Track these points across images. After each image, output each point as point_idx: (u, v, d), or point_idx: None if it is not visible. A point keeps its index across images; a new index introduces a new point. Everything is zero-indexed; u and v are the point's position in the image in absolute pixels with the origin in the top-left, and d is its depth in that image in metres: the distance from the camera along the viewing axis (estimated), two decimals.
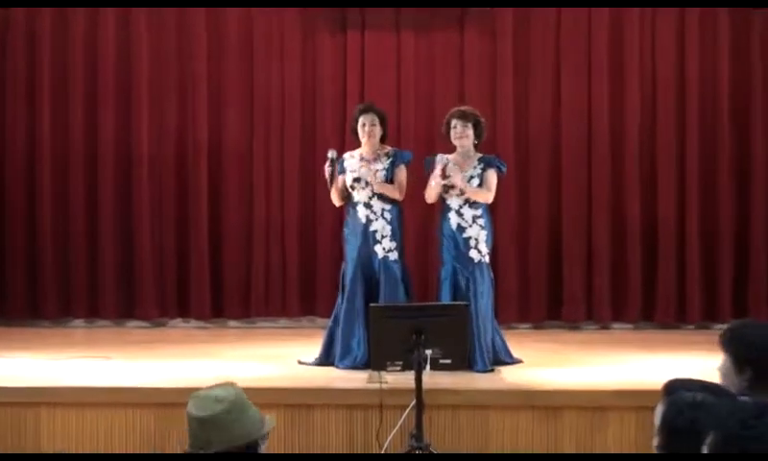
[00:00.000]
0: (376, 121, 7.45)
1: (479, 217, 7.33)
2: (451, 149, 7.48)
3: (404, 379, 6.13)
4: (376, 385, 6.33)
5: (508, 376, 7.09)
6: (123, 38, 9.66)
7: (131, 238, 9.65)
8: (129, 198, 9.65)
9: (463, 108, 7.56)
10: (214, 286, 9.67)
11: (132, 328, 9.59)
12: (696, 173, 9.50)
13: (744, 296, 9.44)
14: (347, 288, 7.36)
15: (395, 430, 6.25)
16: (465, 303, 6.91)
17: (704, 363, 6.72)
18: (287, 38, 9.69)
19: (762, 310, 9.27)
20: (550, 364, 7.49)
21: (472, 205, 7.33)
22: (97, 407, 6.53)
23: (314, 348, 7.55)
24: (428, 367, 5.89)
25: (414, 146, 8.86)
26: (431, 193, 7.40)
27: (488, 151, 7.61)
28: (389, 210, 7.39)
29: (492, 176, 7.38)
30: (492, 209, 7.50)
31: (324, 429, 6.46)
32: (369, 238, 7.36)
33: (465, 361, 6.35)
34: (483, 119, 7.51)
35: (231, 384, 3.48)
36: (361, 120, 7.45)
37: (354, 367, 7.16)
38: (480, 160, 7.41)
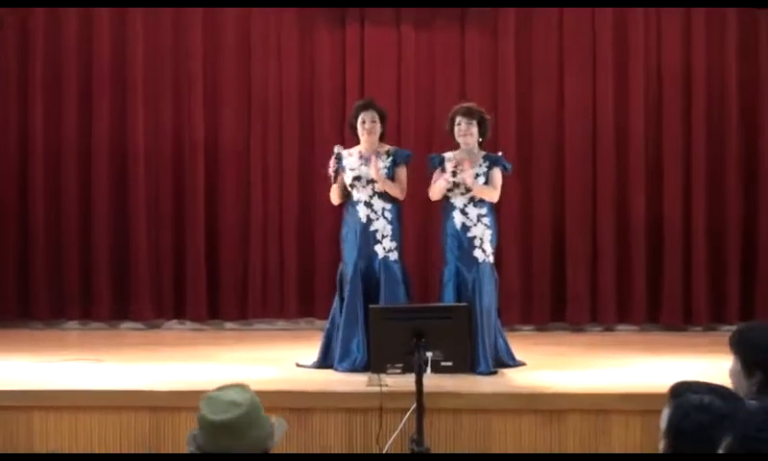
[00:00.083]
0: (377, 118, 7.44)
1: (484, 216, 7.32)
2: (453, 146, 7.47)
3: (405, 382, 6.12)
4: (376, 388, 6.32)
5: (510, 379, 7.08)
6: (118, 35, 9.66)
7: (125, 238, 9.65)
8: (123, 197, 9.65)
9: (467, 104, 7.54)
10: (210, 287, 9.67)
11: (127, 330, 9.59)
12: (703, 172, 9.50)
13: (752, 297, 9.44)
14: (346, 289, 7.35)
15: (395, 434, 6.24)
16: (466, 304, 6.90)
17: (710, 366, 6.74)
18: (285, 34, 9.69)
19: None
20: (553, 367, 7.48)
21: (477, 203, 7.32)
22: (91, 411, 6.52)
23: (312, 350, 7.54)
24: (429, 370, 5.88)
25: (414, 144, 8.87)
26: (437, 191, 7.39)
27: (490, 149, 7.61)
28: (389, 210, 7.38)
29: (497, 174, 7.38)
30: (495, 209, 7.49)
31: (322, 433, 6.46)
32: (369, 238, 7.35)
33: (466, 364, 6.34)
34: (488, 117, 7.50)
35: (244, 386, 3.38)
36: (361, 117, 7.44)
37: (354, 369, 7.16)
38: (485, 158, 7.40)
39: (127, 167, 9.65)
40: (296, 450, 6.41)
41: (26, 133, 9.66)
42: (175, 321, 9.73)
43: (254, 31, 9.70)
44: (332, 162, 7.37)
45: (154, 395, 6.61)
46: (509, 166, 7.52)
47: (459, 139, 7.38)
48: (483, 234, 7.30)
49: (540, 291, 9.57)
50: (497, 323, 7.40)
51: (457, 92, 9.32)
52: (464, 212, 7.32)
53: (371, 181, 7.36)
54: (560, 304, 9.57)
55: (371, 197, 7.37)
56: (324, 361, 7.40)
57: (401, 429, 6.19)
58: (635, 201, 9.52)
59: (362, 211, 7.37)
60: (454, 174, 7.24)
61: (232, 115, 9.69)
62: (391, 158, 7.45)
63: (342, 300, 7.42)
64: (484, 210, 7.33)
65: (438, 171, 7.43)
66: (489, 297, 7.24)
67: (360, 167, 7.40)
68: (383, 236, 7.35)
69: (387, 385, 6.36)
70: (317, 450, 6.45)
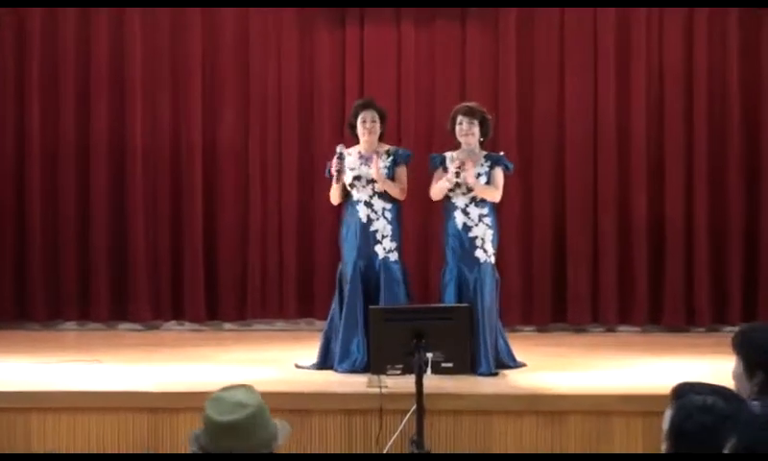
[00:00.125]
0: (377, 118, 7.44)
1: (485, 216, 7.32)
2: (454, 145, 7.47)
3: (405, 384, 6.13)
4: (376, 390, 6.32)
5: (511, 381, 7.08)
6: (116, 35, 9.65)
7: (123, 239, 9.65)
8: (121, 197, 9.65)
9: (469, 104, 7.54)
10: (209, 288, 9.67)
11: (125, 331, 9.59)
12: (704, 172, 9.50)
13: (754, 297, 9.44)
14: (346, 290, 7.35)
15: (395, 436, 6.24)
16: (467, 304, 6.91)
17: (713, 367, 6.75)
18: (284, 32, 9.69)
19: None
20: (555, 368, 7.48)
21: (479, 203, 7.32)
22: (89, 412, 6.53)
23: (312, 351, 7.55)
24: (429, 371, 5.88)
25: (414, 143, 8.88)
26: (438, 191, 7.39)
27: (491, 149, 7.61)
28: (389, 210, 7.38)
29: (499, 174, 7.38)
30: (496, 208, 7.49)
31: (322, 435, 6.46)
32: (369, 238, 7.35)
33: (467, 365, 6.34)
34: (490, 116, 7.50)
35: (251, 387, 3.36)
36: (361, 116, 7.44)
37: (353, 370, 7.16)
38: (487, 158, 7.40)
39: (125, 168, 9.65)
40: (295, 452, 6.41)
41: (23, 133, 9.66)
42: (173, 322, 9.73)
43: (253, 29, 9.70)
44: (335, 162, 7.36)
45: (152, 396, 6.62)
46: (511, 166, 7.52)
47: (460, 139, 7.38)
48: (484, 234, 7.30)
49: (541, 292, 9.57)
50: (498, 324, 7.40)
51: (457, 91, 9.33)
52: (465, 212, 7.32)
53: (371, 181, 7.36)
54: (561, 305, 9.57)
55: (371, 197, 7.37)
56: (324, 363, 7.40)
57: (401, 431, 6.20)
58: (636, 201, 9.52)
59: (362, 211, 7.37)
60: (457, 175, 7.24)
61: (231, 115, 9.69)
62: (391, 158, 7.45)
63: (341, 300, 7.42)
64: (485, 210, 7.33)
65: (439, 170, 7.43)
66: (490, 297, 7.24)
67: (360, 167, 7.40)
68: (383, 236, 7.36)
69: (387, 386, 6.36)
70: (316, 452, 6.46)
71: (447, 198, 7.36)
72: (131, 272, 9.62)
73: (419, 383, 5.83)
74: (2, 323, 9.52)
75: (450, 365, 6.00)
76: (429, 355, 5.86)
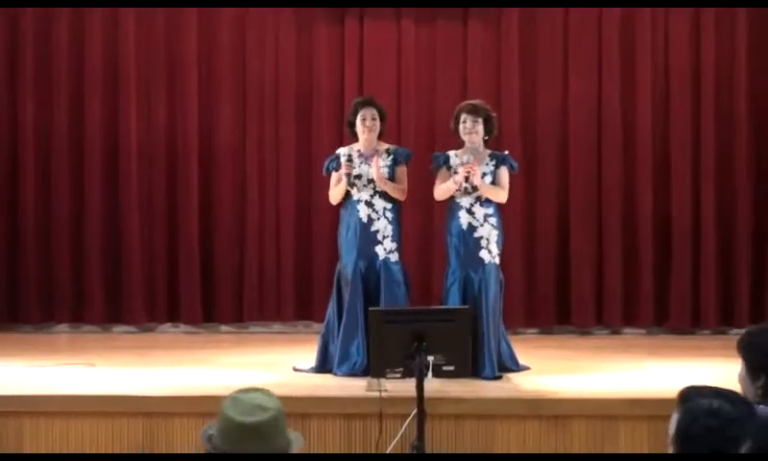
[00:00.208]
0: (377, 116, 7.45)
1: (491, 216, 7.32)
2: (456, 144, 7.47)
3: (405, 387, 6.13)
4: (376, 393, 6.32)
5: (514, 384, 7.09)
6: (110, 34, 9.63)
7: (117, 240, 9.65)
8: (116, 197, 9.65)
9: (473, 101, 7.53)
10: (205, 289, 9.67)
11: (120, 334, 9.59)
12: (711, 172, 9.51)
13: (762, 299, 9.45)
14: (346, 291, 7.35)
15: (395, 441, 6.24)
16: (468, 306, 6.91)
17: (720, 370, 6.75)
18: (282, 29, 9.69)
19: None
20: (558, 371, 7.49)
21: (484, 203, 7.32)
22: (82, 416, 6.54)
23: (310, 354, 7.55)
24: (430, 374, 5.88)
25: (414, 142, 8.88)
26: (444, 192, 7.38)
27: (494, 148, 7.61)
28: (390, 209, 7.38)
29: (505, 174, 7.38)
30: (501, 208, 7.48)
31: (321, 439, 6.46)
32: (370, 238, 7.35)
33: (468, 368, 6.33)
34: (494, 114, 7.50)
35: (268, 390, 3.35)
36: (361, 114, 7.44)
37: (353, 374, 7.16)
38: (492, 157, 7.40)
39: (119, 166, 9.65)
40: None
41: (16, 132, 9.66)
42: (169, 324, 9.73)
43: (251, 26, 9.69)
44: (345, 164, 7.32)
45: (147, 400, 6.62)
46: (515, 165, 7.53)
47: (464, 137, 7.37)
48: (489, 235, 7.30)
49: (545, 293, 9.57)
50: (501, 326, 7.40)
51: (459, 90, 9.33)
52: (470, 212, 7.31)
53: (371, 180, 7.36)
54: (565, 307, 9.57)
55: (371, 196, 7.37)
56: (323, 366, 7.40)
57: (402, 435, 6.19)
58: (641, 201, 9.53)
59: (363, 211, 7.37)
60: (466, 179, 7.23)
61: (228, 113, 9.69)
62: (391, 157, 7.45)
63: (339, 301, 7.42)
64: (491, 210, 7.33)
65: (443, 170, 7.42)
66: (494, 299, 7.24)
67: (360, 166, 7.40)
68: (384, 237, 7.36)
69: (387, 390, 6.36)
70: None
71: (452, 197, 7.36)
72: (125, 273, 9.63)
73: (419, 387, 5.83)
74: None
75: (452, 368, 6.00)
76: (430, 358, 5.85)
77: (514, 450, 6.44)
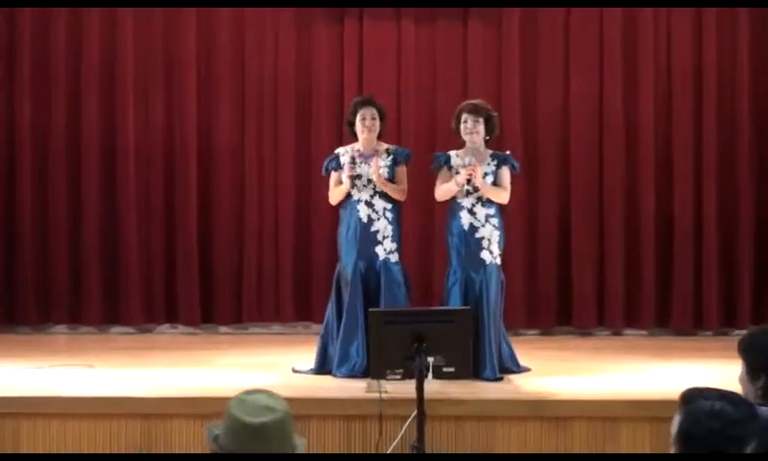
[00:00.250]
0: (377, 115, 7.45)
1: (492, 216, 7.32)
2: (456, 144, 7.47)
3: (405, 389, 6.13)
4: (375, 395, 6.33)
5: (515, 385, 7.09)
6: (108, 33, 9.63)
7: (115, 240, 9.65)
8: (113, 196, 9.65)
9: (474, 101, 7.52)
10: (204, 290, 9.67)
11: (117, 335, 9.59)
12: (714, 172, 9.51)
13: (765, 300, 9.46)
14: (346, 291, 7.34)
15: (395, 442, 6.25)
16: (469, 307, 6.91)
17: (722, 371, 6.75)
18: (281, 28, 9.69)
19: None
20: (559, 372, 7.49)
21: (485, 203, 7.32)
22: (80, 418, 6.54)
23: (309, 355, 7.56)
24: (430, 375, 5.88)
25: (414, 142, 8.89)
26: (445, 193, 7.38)
27: (495, 147, 7.60)
28: (390, 210, 7.39)
29: (507, 174, 7.38)
30: (503, 208, 7.48)
31: (320, 441, 6.47)
32: (370, 239, 7.35)
33: (469, 370, 6.34)
34: (495, 114, 7.50)
35: (272, 392, 3.35)
36: (361, 113, 7.44)
37: (353, 375, 7.17)
38: (493, 157, 7.40)
39: (117, 165, 9.65)
40: None
41: (13, 132, 9.65)
42: (167, 325, 9.73)
43: (250, 25, 9.69)
44: (348, 166, 7.32)
45: (145, 402, 6.62)
46: (517, 165, 7.53)
47: (465, 137, 7.37)
48: (491, 235, 7.30)
49: (546, 294, 9.58)
50: (502, 327, 7.40)
51: (459, 89, 9.33)
52: (472, 212, 7.31)
53: (371, 180, 7.36)
54: (566, 308, 9.57)
55: (372, 196, 7.37)
56: (322, 367, 7.40)
57: (402, 437, 6.20)
58: (643, 201, 9.53)
59: (363, 211, 7.37)
60: (468, 182, 7.23)
61: (226, 113, 9.69)
62: (391, 157, 7.46)
63: (338, 302, 7.42)
64: (492, 210, 7.33)
65: (444, 170, 7.42)
66: (495, 299, 7.25)
67: (360, 166, 7.40)
68: (384, 237, 7.36)
69: (387, 391, 6.36)
70: None
71: (453, 197, 7.36)
72: (123, 274, 9.63)
73: (419, 388, 5.83)
74: None
75: (452, 370, 6.00)
76: (430, 360, 5.86)
77: (514, 452, 6.44)
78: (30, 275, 9.61)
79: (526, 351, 7.82)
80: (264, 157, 9.69)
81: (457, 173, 7.33)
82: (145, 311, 9.66)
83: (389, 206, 7.39)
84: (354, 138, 7.53)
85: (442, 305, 7.37)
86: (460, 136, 7.40)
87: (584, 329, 9.54)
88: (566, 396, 6.76)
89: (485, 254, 7.28)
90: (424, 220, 9.26)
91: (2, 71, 9.65)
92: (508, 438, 6.45)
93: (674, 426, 2.93)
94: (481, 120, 7.35)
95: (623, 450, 6.40)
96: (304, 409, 6.51)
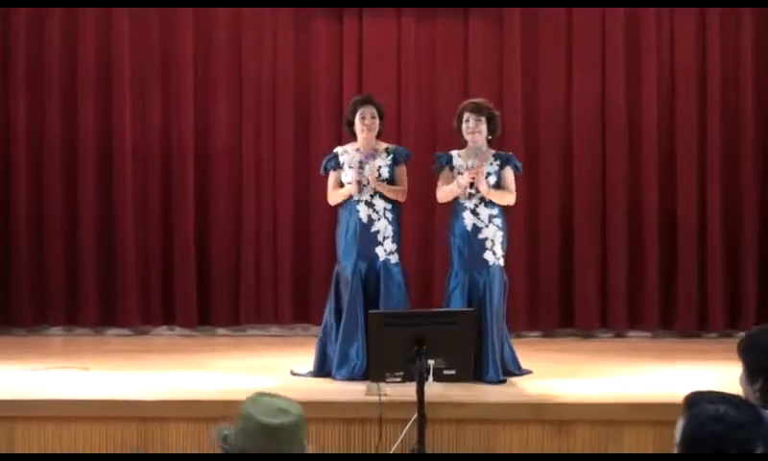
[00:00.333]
0: (376, 114, 7.45)
1: (495, 217, 7.32)
2: (458, 144, 7.47)
3: (405, 391, 6.13)
4: (375, 398, 6.33)
5: (516, 389, 7.09)
6: (104, 33, 9.63)
7: (111, 241, 9.65)
8: (110, 197, 9.65)
9: (476, 100, 7.52)
10: (201, 291, 9.67)
11: (114, 337, 9.59)
12: (718, 171, 9.52)
13: None
14: (345, 292, 7.34)
15: (395, 446, 6.25)
16: (470, 309, 6.91)
17: (726, 374, 6.75)
18: (279, 26, 9.69)
19: None
20: (561, 375, 7.49)
21: (489, 204, 7.32)
22: (76, 421, 6.54)
23: (308, 357, 7.56)
24: (431, 378, 5.88)
25: (414, 142, 8.89)
26: (447, 194, 7.37)
27: (496, 147, 7.60)
28: (390, 210, 7.39)
29: (511, 175, 7.38)
30: (505, 209, 7.49)
31: (319, 445, 6.46)
32: (370, 239, 7.35)
33: (470, 372, 6.34)
34: (497, 113, 7.50)
35: (285, 396, 3.43)
36: (360, 112, 7.44)
37: (352, 377, 7.17)
38: (496, 157, 7.40)
39: (113, 165, 9.65)
40: None
41: (8, 132, 9.66)
42: (164, 327, 9.74)
43: (248, 23, 9.69)
44: (356, 172, 7.30)
45: (142, 405, 6.62)
46: (520, 165, 7.52)
47: (467, 137, 7.36)
48: (494, 236, 7.30)
49: (547, 295, 9.58)
50: (504, 329, 7.40)
51: (460, 88, 9.34)
52: (475, 213, 7.31)
53: (372, 181, 7.36)
54: (568, 309, 9.57)
55: (371, 196, 7.37)
56: (321, 370, 7.40)
57: (402, 441, 6.20)
58: (646, 200, 9.53)
59: (363, 211, 7.37)
60: (471, 185, 7.23)
61: (224, 112, 9.69)
62: (391, 156, 7.46)
63: (337, 303, 7.43)
64: (495, 211, 7.33)
65: (446, 171, 7.41)
66: (498, 301, 7.25)
67: (362, 166, 7.40)
68: (384, 238, 7.36)
69: (387, 394, 6.37)
70: None
71: (455, 198, 7.35)
72: (119, 275, 9.62)
73: (420, 391, 5.83)
74: None
75: (453, 372, 6.00)
76: (431, 362, 5.86)
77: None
78: (25, 276, 9.61)
79: (528, 353, 7.82)
80: (262, 156, 9.69)
81: (459, 174, 7.33)
82: (141, 313, 9.66)
83: (389, 206, 7.39)
84: (353, 138, 7.53)
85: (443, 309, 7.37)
86: (462, 136, 7.39)
87: (586, 331, 9.54)
88: (569, 399, 6.76)
89: (488, 255, 7.28)
90: (424, 220, 9.26)
91: None
92: (509, 442, 6.46)
93: (678, 431, 2.93)
94: (483, 119, 7.35)
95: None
96: (304, 412, 6.52)
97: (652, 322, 9.53)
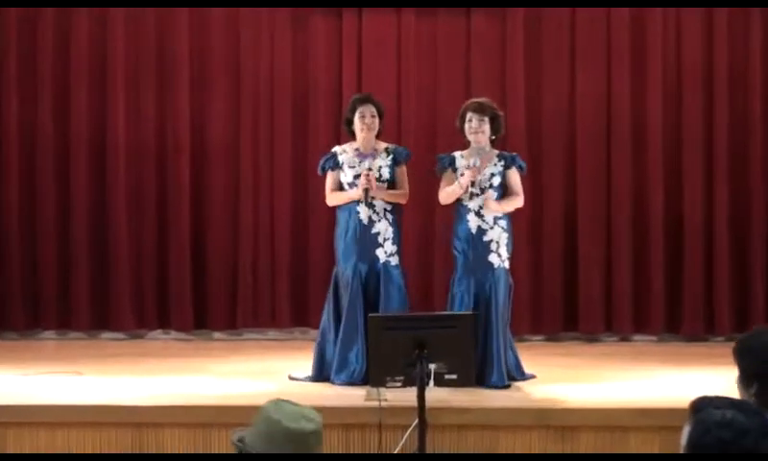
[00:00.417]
0: (376, 113, 7.45)
1: (500, 218, 7.32)
2: (461, 144, 7.46)
3: (405, 396, 6.13)
4: (375, 403, 6.32)
5: (519, 394, 7.09)
6: (98, 32, 9.64)
7: (105, 243, 9.65)
8: (103, 198, 9.65)
9: (479, 99, 7.51)
10: (197, 295, 9.67)
11: (108, 341, 9.59)
12: (725, 172, 9.52)
13: None
14: (345, 295, 7.34)
15: (395, 451, 6.25)
16: (471, 313, 6.91)
17: (733, 379, 6.75)
18: (277, 23, 9.69)
19: None
20: (565, 379, 7.49)
21: None
22: (69, 427, 6.53)
23: (306, 362, 7.56)
24: (432, 383, 5.88)
25: (414, 142, 8.89)
26: (449, 196, 7.37)
27: (500, 147, 7.59)
28: (390, 211, 7.39)
29: (517, 177, 7.38)
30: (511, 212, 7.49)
31: (318, 450, 6.45)
32: (370, 241, 7.35)
33: (472, 377, 6.32)
34: (501, 113, 7.49)
35: (304, 406, 3.50)
36: (359, 111, 7.44)
37: (351, 382, 7.16)
38: (500, 157, 7.39)
39: (107, 166, 9.65)
40: None
41: (0, 131, 9.66)
42: (159, 330, 9.74)
43: (245, 20, 9.70)
44: (364, 180, 7.26)
45: (136, 410, 6.62)
46: (524, 165, 7.52)
47: (470, 137, 7.35)
48: (500, 238, 7.30)
49: (551, 298, 9.58)
50: (509, 334, 7.40)
51: (462, 87, 9.34)
52: (479, 214, 7.31)
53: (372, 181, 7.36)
54: (572, 313, 9.57)
55: (372, 197, 7.36)
56: (319, 374, 7.40)
57: (402, 447, 6.20)
58: (652, 202, 9.53)
59: (363, 212, 7.37)
60: (472, 184, 7.23)
61: (221, 110, 9.69)
62: (391, 156, 7.46)
63: (336, 305, 7.42)
64: (500, 212, 7.33)
65: (448, 172, 7.40)
66: (503, 303, 7.24)
67: (360, 165, 7.40)
68: (385, 239, 7.36)
69: (387, 400, 6.36)
70: None
71: (459, 200, 7.35)
72: (113, 278, 9.62)
73: (420, 396, 5.83)
74: None
75: (454, 377, 5.99)
76: (432, 367, 5.86)
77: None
78: (17, 278, 9.61)
79: (531, 357, 7.82)
80: (260, 156, 9.69)
81: (462, 175, 7.32)
82: (136, 316, 9.66)
83: (389, 207, 7.39)
84: (352, 137, 7.53)
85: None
86: (464, 136, 7.38)
87: (591, 335, 9.54)
88: (573, 404, 6.76)
89: (493, 258, 7.27)
90: (425, 221, 9.26)
91: None
92: (512, 448, 6.45)
93: (684, 437, 2.93)
94: (486, 119, 7.34)
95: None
96: None
97: (658, 325, 9.53)
